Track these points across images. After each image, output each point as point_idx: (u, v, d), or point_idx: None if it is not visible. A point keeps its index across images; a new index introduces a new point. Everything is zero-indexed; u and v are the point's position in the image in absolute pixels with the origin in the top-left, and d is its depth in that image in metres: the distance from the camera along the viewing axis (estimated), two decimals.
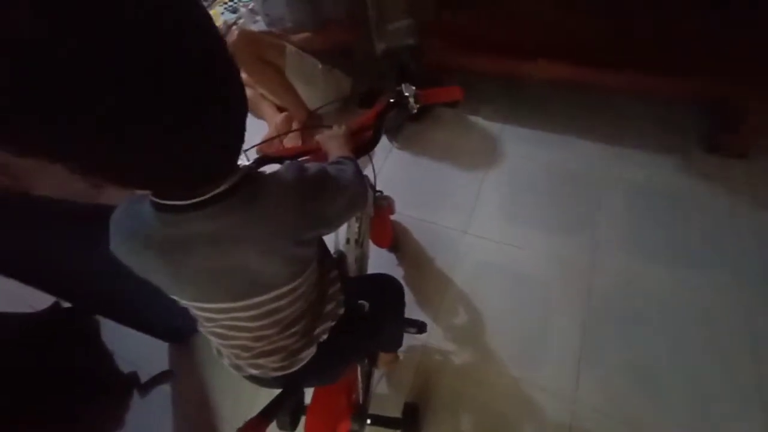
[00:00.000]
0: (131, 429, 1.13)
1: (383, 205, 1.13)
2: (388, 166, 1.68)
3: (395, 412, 1.03)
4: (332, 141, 0.74)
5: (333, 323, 0.61)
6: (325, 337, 0.60)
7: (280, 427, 0.92)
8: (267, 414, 0.55)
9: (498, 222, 1.45)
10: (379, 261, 1.32)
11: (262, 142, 1.71)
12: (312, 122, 1.72)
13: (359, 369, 0.96)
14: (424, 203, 1.53)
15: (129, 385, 1.18)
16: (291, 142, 1.76)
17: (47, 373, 1.07)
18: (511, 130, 1.71)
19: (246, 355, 0.56)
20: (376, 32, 1.92)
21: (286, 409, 0.65)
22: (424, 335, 1.14)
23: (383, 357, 1.07)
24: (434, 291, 1.31)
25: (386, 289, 0.85)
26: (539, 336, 1.18)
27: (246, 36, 1.50)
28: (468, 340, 1.20)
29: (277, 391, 0.63)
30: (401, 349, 1.08)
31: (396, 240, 1.39)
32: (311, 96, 1.74)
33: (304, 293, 0.53)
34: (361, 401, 0.97)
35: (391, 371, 1.16)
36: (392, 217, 1.37)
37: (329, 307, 0.61)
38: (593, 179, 1.50)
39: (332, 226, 0.52)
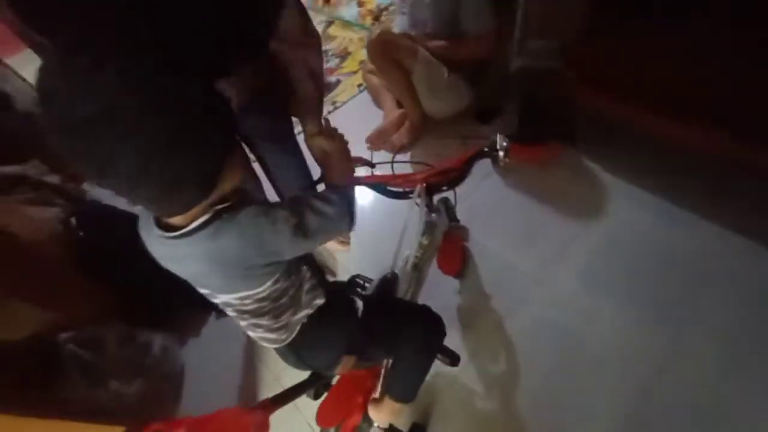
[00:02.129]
0: (204, 341, 1.40)
1: (456, 234, 1.15)
2: (483, 189, 1.65)
3: (403, 427, 1.09)
4: (335, 164, 0.75)
5: (311, 311, 0.70)
6: (304, 321, 0.70)
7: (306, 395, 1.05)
8: (277, 400, 0.65)
9: (576, 283, 1.34)
10: (440, 283, 1.34)
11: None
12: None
13: (382, 373, 1.03)
14: (506, 238, 1.49)
15: (207, 304, 1.46)
16: (398, 140, 1.84)
17: (146, 276, 1.39)
18: (628, 188, 1.52)
19: (244, 324, 0.69)
20: (517, 48, 1.84)
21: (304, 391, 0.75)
22: (455, 369, 1.15)
23: (386, 404, 0.92)
24: (483, 329, 1.30)
25: (417, 323, 0.86)
26: (575, 417, 1.10)
27: (383, 36, 1.59)
28: (498, 391, 1.18)
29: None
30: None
31: (463, 267, 1.40)
32: (432, 103, 1.77)
33: (268, 296, 0.63)
34: None
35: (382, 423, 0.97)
36: (467, 243, 1.38)
37: (305, 299, 0.69)
38: (704, 269, 1.28)
39: (287, 256, 0.61)
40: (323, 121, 0.81)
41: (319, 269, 0.75)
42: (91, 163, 0.43)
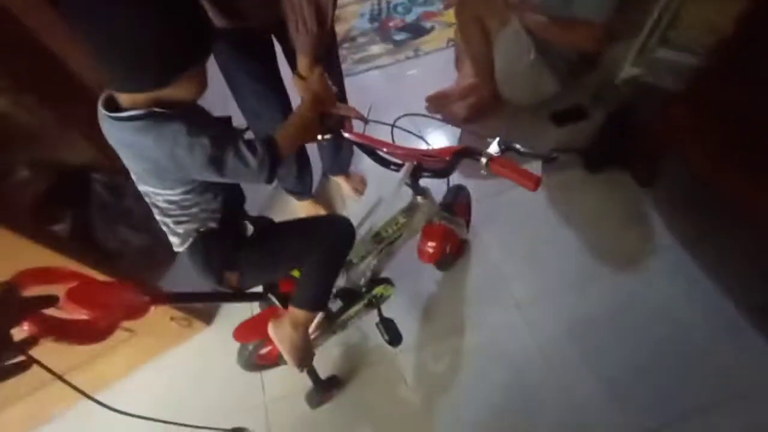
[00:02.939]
0: None
1: (443, 225, 1.06)
2: (522, 190, 1.49)
3: (321, 372, 1.12)
4: (291, 127, 0.73)
5: (202, 228, 0.73)
6: (194, 235, 0.74)
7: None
8: (173, 297, 0.70)
9: (562, 330, 1.21)
10: (423, 265, 1.21)
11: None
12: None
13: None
14: (515, 250, 1.37)
15: None
16: (458, 110, 1.70)
17: None
18: (684, 260, 1.27)
19: (157, 218, 0.75)
20: (636, 54, 1.53)
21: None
22: (394, 349, 1.14)
23: (288, 312, 0.85)
24: (442, 326, 1.26)
25: (317, 234, 0.86)
26: None
27: None
28: (425, 391, 1.17)
29: None
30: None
31: (451, 261, 1.33)
32: (507, 83, 1.58)
33: (177, 202, 0.69)
34: None
35: (284, 342, 0.86)
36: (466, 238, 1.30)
37: (202, 216, 0.73)
38: (728, 389, 1.07)
39: (195, 176, 0.65)
40: (318, 69, 0.77)
41: (235, 199, 0.78)
42: (83, 24, 0.52)
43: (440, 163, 0.79)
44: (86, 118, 0.72)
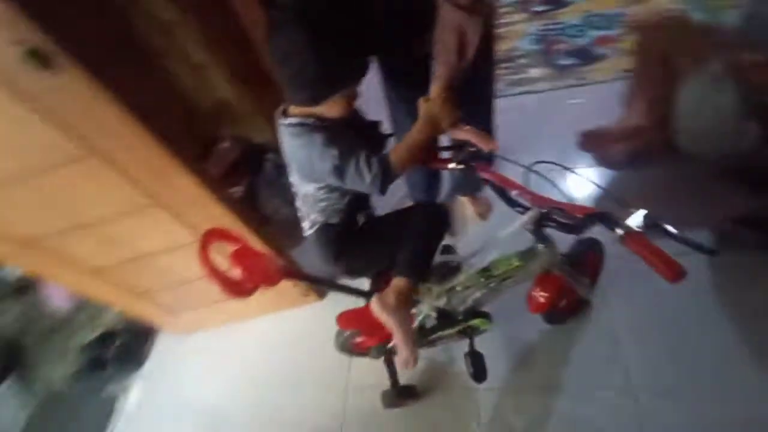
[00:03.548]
0: None
1: (560, 278, 0.99)
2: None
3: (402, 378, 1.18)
4: (406, 145, 0.78)
5: (324, 221, 0.89)
6: (317, 225, 0.90)
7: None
8: (303, 276, 0.87)
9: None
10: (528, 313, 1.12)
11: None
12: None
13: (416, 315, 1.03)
14: (644, 328, 1.18)
15: None
16: (615, 152, 1.52)
17: None
18: None
19: (297, 204, 0.94)
20: None
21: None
22: (477, 385, 1.11)
23: (394, 282, 0.88)
24: (533, 379, 1.18)
25: (411, 217, 0.94)
26: None
27: (656, 21, 1.19)
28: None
29: None
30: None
31: (562, 317, 1.22)
32: (691, 131, 1.33)
33: (312, 195, 0.85)
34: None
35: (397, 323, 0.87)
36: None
37: (329, 212, 0.88)
38: None
39: (326, 179, 0.79)
40: (444, 95, 0.78)
41: (360, 204, 0.91)
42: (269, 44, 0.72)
43: (570, 219, 0.74)
44: (271, 107, 0.93)
